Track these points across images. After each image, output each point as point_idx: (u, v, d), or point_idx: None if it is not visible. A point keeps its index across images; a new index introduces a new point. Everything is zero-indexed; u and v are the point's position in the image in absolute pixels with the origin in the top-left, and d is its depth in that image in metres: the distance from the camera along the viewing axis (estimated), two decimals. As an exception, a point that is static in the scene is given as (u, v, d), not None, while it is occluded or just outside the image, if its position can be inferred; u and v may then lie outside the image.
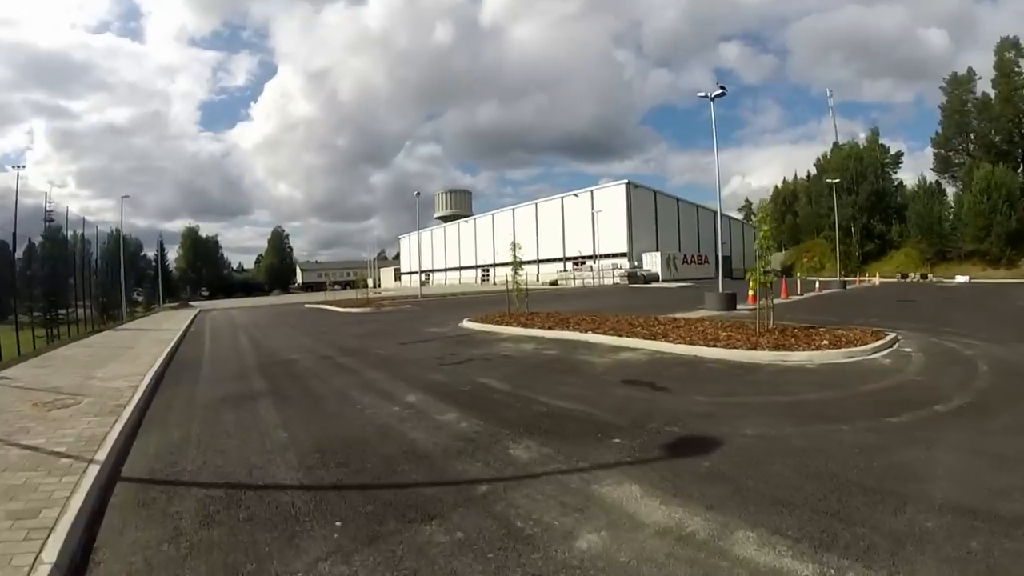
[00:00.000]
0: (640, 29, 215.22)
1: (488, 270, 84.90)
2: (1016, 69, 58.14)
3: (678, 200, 77.63)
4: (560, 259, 70.62)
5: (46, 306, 18.34)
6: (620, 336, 11.99)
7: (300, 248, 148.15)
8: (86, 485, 4.31)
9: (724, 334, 11.16)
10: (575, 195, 72.57)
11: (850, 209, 62.39)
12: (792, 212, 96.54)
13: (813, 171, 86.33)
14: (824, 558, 2.96)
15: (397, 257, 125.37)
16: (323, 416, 6.63)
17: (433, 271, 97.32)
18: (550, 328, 14.01)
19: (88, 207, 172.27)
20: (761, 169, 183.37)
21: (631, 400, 6.89)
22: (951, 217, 57.15)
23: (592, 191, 70.81)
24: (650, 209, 69.91)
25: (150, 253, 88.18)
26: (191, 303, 57.82)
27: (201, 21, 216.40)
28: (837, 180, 49.72)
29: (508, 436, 5.49)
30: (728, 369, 8.71)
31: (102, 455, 5.03)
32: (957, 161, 65.10)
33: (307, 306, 37.00)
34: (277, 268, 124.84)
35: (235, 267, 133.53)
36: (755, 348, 9.66)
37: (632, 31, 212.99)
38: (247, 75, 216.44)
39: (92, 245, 25.40)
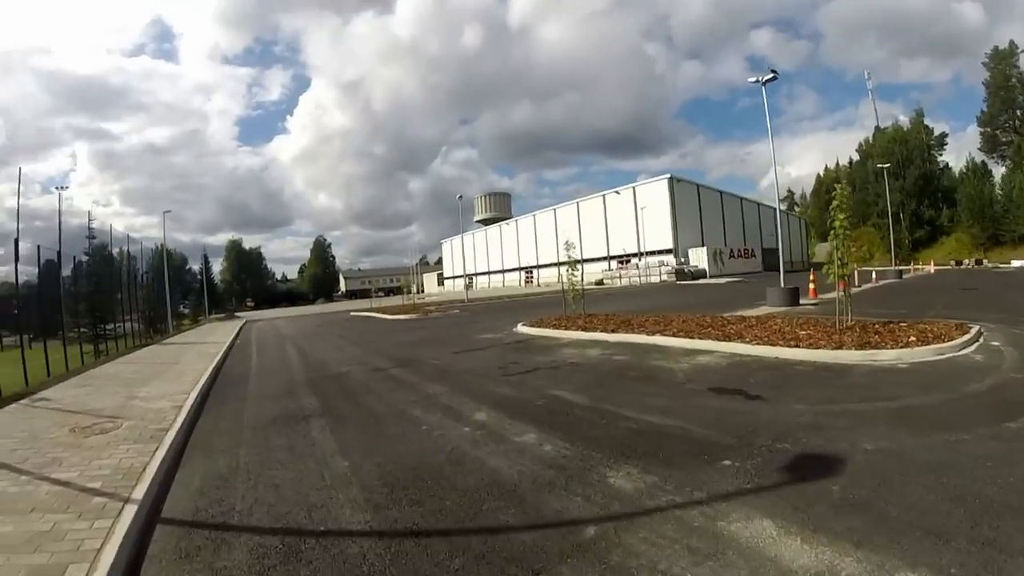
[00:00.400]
0: (668, 22, 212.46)
1: (532, 272, 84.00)
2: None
3: (721, 193, 75.48)
4: (604, 258, 69.22)
5: (92, 322, 18.31)
6: (692, 338, 11.07)
7: (342, 257, 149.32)
8: (121, 531, 3.69)
9: (803, 333, 10.22)
10: (617, 192, 71.07)
11: (898, 195, 59.78)
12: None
13: (855, 157, 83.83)
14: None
15: (439, 262, 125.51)
16: (385, 440, 5.87)
17: (476, 275, 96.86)
18: (613, 331, 13.09)
19: (132, 224, 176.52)
20: (800, 158, 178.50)
21: (725, 412, 6.08)
22: (1002, 199, 54.37)
23: (634, 187, 69.17)
24: (693, 203, 68.01)
25: (195, 267, 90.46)
26: (236, 314, 58.50)
27: (233, 39, 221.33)
28: (887, 165, 47.56)
29: (602, 461, 4.70)
30: (816, 372, 7.89)
31: (140, 491, 4.40)
32: (1005, 140, 62.13)
33: (352, 314, 36.65)
34: (320, 277, 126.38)
35: (279, 277, 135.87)
36: (840, 347, 8.81)
37: (660, 24, 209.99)
38: (281, 89, 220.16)
39: (138, 260, 25.60)
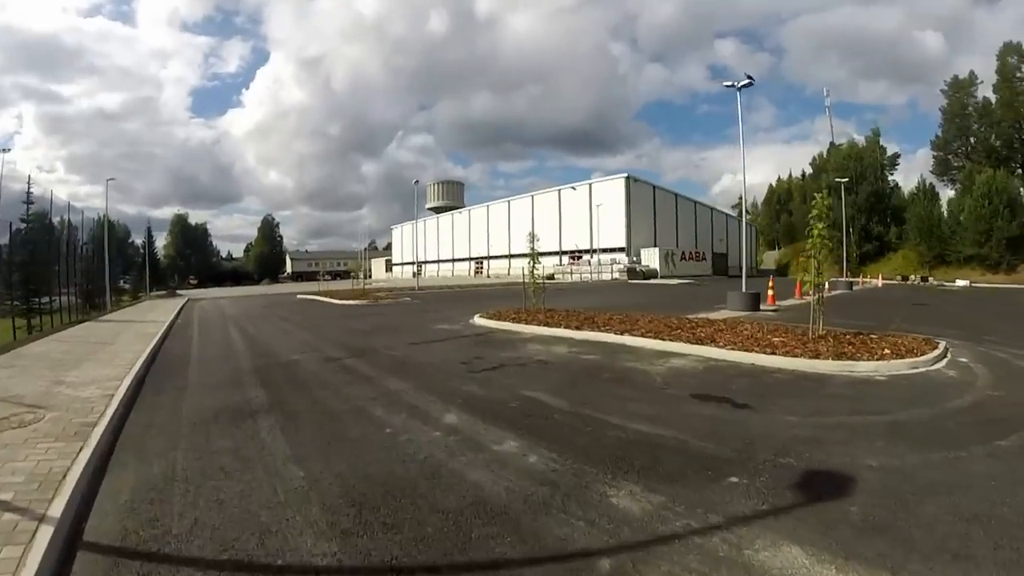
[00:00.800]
0: (636, 23, 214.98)
1: (482, 263, 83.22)
2: (1018, 74, 58.06)
3: (676, 195, 76.40)
4: (556, 252, 69.01)
5: (24, 295, 16.92)
6: (662, 339, 10.78)
7: (290, 237, 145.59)
8: (34, 563, 3.00)
9: (777, 339, 10.12)
10: (573, 188, 70.92)
11: (849, 209, 61.52)
12: (787, 211, 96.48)
13: (808, 170, 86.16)
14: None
15: (388, 248, 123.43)
16: (346, 444, 5.21)
17: (426, 263, 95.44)
18: (578, 328, 12.67)
19: (76, 192, 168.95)
20: (754, 167, 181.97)
21: (716, 421, 5.78)
22: (949, 221, 56.70)
23: (591, 184, 69.11)
24: (648, 204, 68.50)
25: (139, 240, 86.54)
26: (179, 292, 55.87)
27: (194, 5, 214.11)
28: (846, 180, 48.77)
29: (598, 476, 4.26)
30: (796, 380, 7.75)
31: (59, 507, 3.68)
32: (956, 164, 65.14)
33: (300, 297, 35.20)
34: (267, 257, 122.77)
35: (224, 255, 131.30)
36: (816, 356, 8.73)
37: (627, 24, 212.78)
38: (239, 61, 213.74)
39: (79, 231, 23.99)
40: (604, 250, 62.95)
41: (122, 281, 49.56)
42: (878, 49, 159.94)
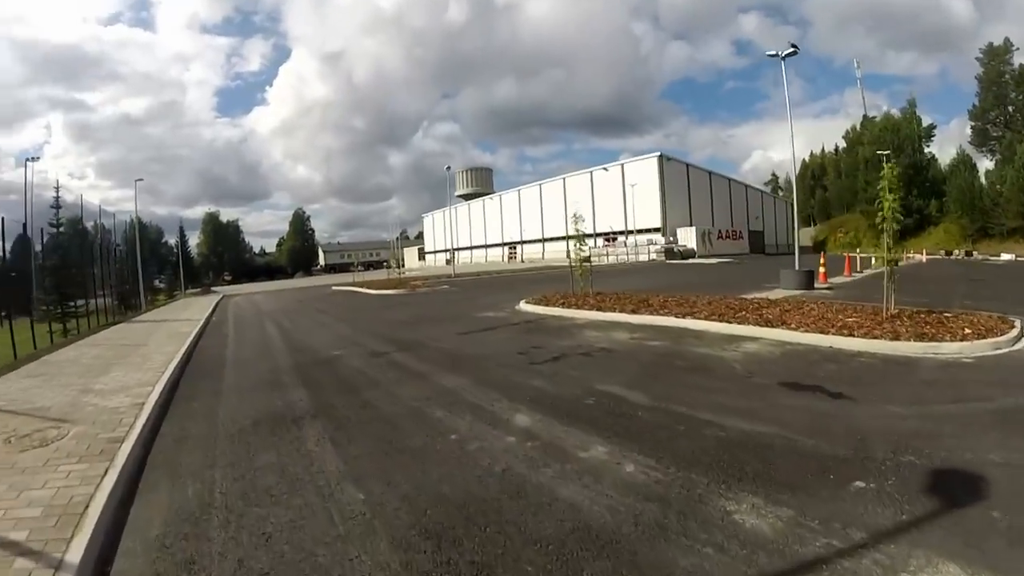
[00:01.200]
0: (656, 1, 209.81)
1: (515, 247, 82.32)
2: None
3: (710, 173, 74.28)
4: (591, 235, 67.90)
5: (58, 299, 16.75)
6: (728, 322, 9.95)
7: (321, 230, 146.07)
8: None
9: (851, 320, 9.28)
10: (605, 169, 69.31)
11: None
12: (821, 186, 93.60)
13: (841, 144, 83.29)
14: None
15: (419, 236, 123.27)
16: (408, 456, 4.49)
17: (458, 249, 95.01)
18: (633, 312, 11.83)
19: (108, 197, 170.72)
20: (783, 143, 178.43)
21: (816, 414, 5.06)
22: (990, 192, 54.44)
23: (623, 164, 67.46)
24: (682, 182, 66.65)
25: (171, 240, 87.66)
26: (213, 288, 56.36)
27: (212, 7, 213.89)
28: (888, 152, 46.72)
29: (710, 488, 3.56)
30: (883, 365, 6.95)
31: (79, 548, 3.07)
32: (995, 134, 62.61)
33: (335, 288, 34.78)
34: (299, 250, 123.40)
35: (257, 251, 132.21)
36: (897, 338, 7.97)
37: (648, 2, 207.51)
38: (261, 59, 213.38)
39: (112, 234, 24.04)
40: (639, 231, 61.55)
41: (157, 281, 50.14)
42: (904, 18, 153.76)
